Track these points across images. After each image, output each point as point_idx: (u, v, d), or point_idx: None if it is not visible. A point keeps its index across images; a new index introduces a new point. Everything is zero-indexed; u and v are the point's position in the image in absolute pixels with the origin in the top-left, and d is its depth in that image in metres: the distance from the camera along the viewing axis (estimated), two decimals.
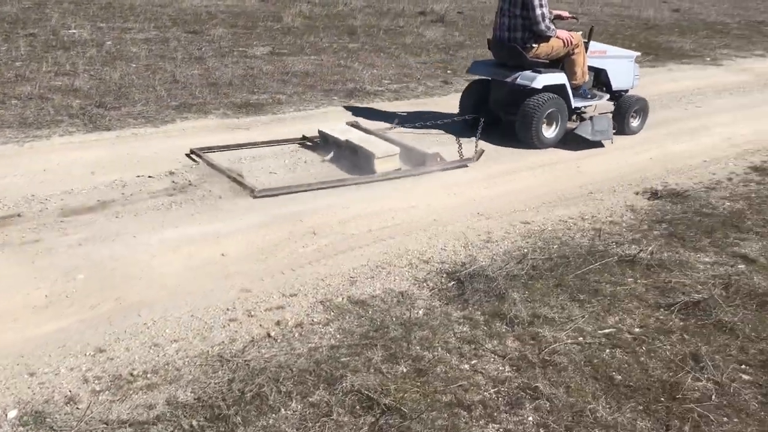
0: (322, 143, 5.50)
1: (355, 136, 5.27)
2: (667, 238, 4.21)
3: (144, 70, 7.55)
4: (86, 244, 3.69)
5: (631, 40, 13.07)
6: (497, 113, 6.08)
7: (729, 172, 5.68)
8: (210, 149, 5.21)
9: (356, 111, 6.77)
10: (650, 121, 6.73)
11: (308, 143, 5.61)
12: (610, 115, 6.32)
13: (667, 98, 8.39)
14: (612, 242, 4.12)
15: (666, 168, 5.70)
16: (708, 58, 11.76)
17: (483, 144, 5.67)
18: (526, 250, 3.95)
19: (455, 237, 4.10)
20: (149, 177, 4.68)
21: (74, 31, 9.35)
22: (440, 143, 5.80)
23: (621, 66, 6.49)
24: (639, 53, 6.99)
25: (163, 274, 3.42)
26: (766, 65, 11.41)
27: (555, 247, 4.03)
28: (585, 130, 5.95)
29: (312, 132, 5.70)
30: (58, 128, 5.52)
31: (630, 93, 6.64)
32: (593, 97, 6.33)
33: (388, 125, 6.17)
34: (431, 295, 3.38)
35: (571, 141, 6.05)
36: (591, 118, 6.05)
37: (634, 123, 6.56)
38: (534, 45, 5.67)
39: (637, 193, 5.06)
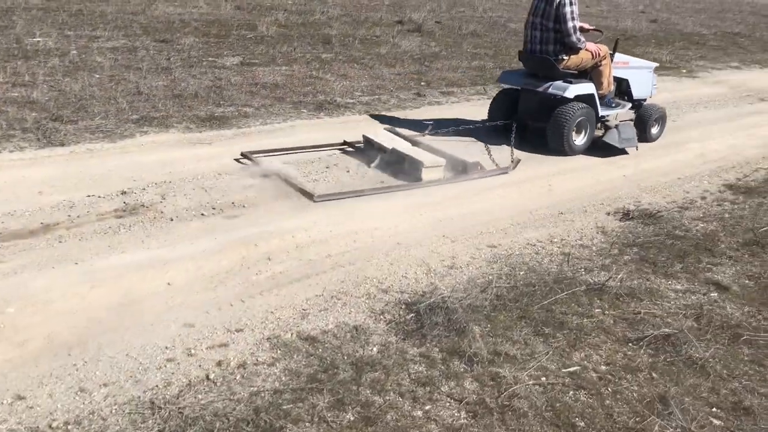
0: (366, 148, 5.68)
1: (402, 145, 5.52)
2: (638, 264, 4.03)
3: (107, 81, 7.28)
4: (22, 272, 3.44)
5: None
6: (526, 121, 6.23)
7: (703, 191, 5.53)
8: (260, 152, 5.34)
9: (330, 126, 6.56)
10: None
11: (348, 148, 5.81)
12: (632, 123, 6.59)
13: None
14: (581, 268, 3.94)
15: (639, 186, 5.54)
16: (684, 70, 11.69)
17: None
18: (491, 277, 3.75)
19: (418, 263, 3.89)
20: (99, 197, 4.43)
21: (39, 39, 9.05)
22: (467, 150, 5.87)
23: (642, 76, 6.72)
24: (657, 64, 7.25)
25: (102, 307, 3.18)
26: (741, 77, 11.35)
27: (522, 273, 3.83)
28: (613, 138, 6.18)
29: (268, 146, 5.49)
30: (9, 143, 5.25)
31: (648, 102, 6.87)
32: (617, 105, 6.53)
33: (415, 132, 6.21)
34: (388, 330, 3.16)
35: (600, 148, 6.22)
36: (617, 126, 6.29)
37: (654, 130, 6.78)
38: (565, 57, 5.91)
39: (608, 214, 4.88)
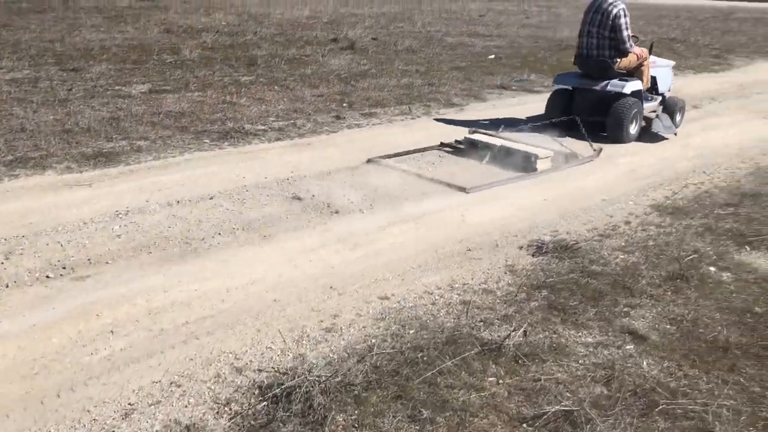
0: (467, 148, 6.29)
1: (507, 142, 6.15)
2: (545, 311, 3.47)
3: None
4: None
5: (542, 63, 12.60)
6: (581, 117, 6.70)
7: (628, 213, 5.02)
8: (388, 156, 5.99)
9: (232, 158, 5.92)
10: None
11: (446, 149, 6.41)
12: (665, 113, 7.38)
13: None
14: (480, 321, 3.36)
15: (560, 211, 5.01)
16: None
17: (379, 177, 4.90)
18: (374, 341, 3.15)
19: (291, 326, 3.27)
20: None
21: None
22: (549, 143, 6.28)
23: (665, 73, 7.57)
24: (674, 62, 8.35)
25: None
26: (676, 84, 10.99)
27: (411, 333, 3.24)
28: (658, 127, 7.08)
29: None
30: None
31: (669, 95, 7.66)
32: (652, 99, 7.32)
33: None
34: (229, 428, 2.53)
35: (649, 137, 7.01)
36: (657, 116, 7.18)
37: (678, 118, 7.54)
38: (618, 59, 6.74)
39: (521, 248, 4.33)
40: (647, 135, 7.09)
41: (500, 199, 5.24)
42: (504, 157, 5.96)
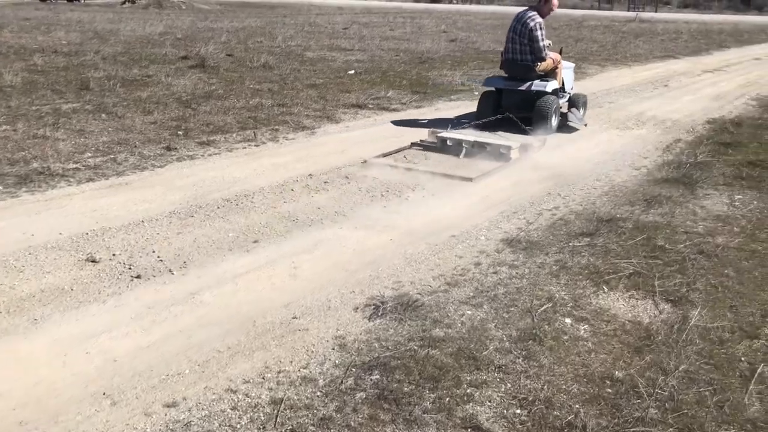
0: (440, 145, 6.87)
1: (480, 138, 6.82)
2: (372, 406, 2.77)
3: None
4: None
5: (402, 78, 12.12)
6: (510, 113, 7.43)
7: (478, 252, 4.45)
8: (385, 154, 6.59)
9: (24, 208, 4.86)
10: None
11: (416, 147, 7.03)
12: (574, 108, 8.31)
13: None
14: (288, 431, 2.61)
15: (406, 254, 4.37)
16: (477, 93, 10.98)
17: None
18: None
19: None
20: None
21: None
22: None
23: (570, 74, 8.50)
24: (574, 64, 9.43)
25: None
26: None
27: None
28: (574, 120, 8.07)
29: None
30: None
31: (573, 91, 8.59)
32: (563, 96, 8.23)
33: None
34: None
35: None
36: (570, 111, 8.17)
37: (582, 112, 8.35)
38: (537, 64, 7.56)
39: (357, 309, 3.63)
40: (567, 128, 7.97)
41: (337, 241, 4.54)
42: (478, 151, 6.64)
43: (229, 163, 6.38)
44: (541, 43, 7.45)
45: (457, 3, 55.12)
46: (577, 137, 7.91)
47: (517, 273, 4.11)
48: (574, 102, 8.32)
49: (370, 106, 9.51)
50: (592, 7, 50.73)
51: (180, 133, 7.34)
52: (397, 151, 6.81)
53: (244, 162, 6.45)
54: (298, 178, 5.93)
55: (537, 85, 7.58)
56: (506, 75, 7.90)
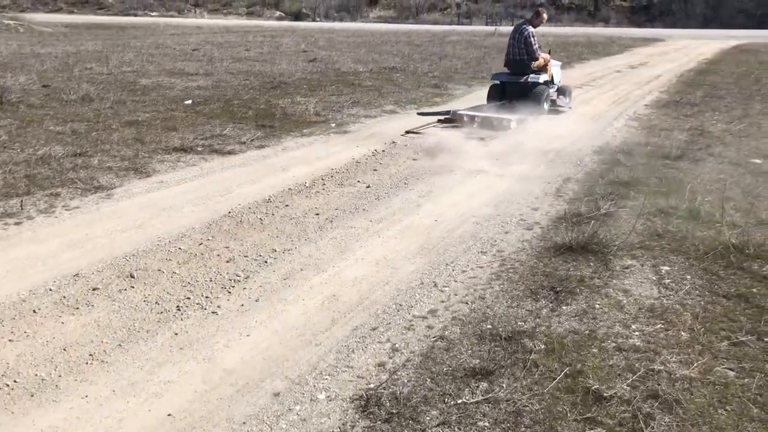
0: (458, 120, 8.97)
1: (485, 113, 9.05)
2: None
3: None
4: None
5: (247, 107, 10.12)
6: (512, 99, 9.64)
7: (300, 421, 2.59)
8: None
9: None
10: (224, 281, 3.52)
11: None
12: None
13: (262, 208, 5.36)
14: None
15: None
16: (333, 124, 9.22)
17: None
18: None
19: None
20: None
21: None
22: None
23: (557, 70, 10.36)
24: (561, 62, 11.08)
25: None
26: (395, 125, 9.16)
27: None
28: (563, 104, 10.32)
29: None
30: None
31: (560, 83, 10.43)
32: (553, 86, 10.07)
33: None
34: None
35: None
36: (559, 98, 10.27)
37: (568, 99, 10.37)
38: (532, 62, 9.57)
39: None
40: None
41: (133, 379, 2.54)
42: (486, 124, 8.65)
43: None
44: (534, 47, 9.45)
45: (320, 20, 53.59)
46: (452, 183, 6.29)
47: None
48: (563, 91, 10.40)
49: (199, 148, 7.47)
50: (452, 23, 50.84)
51: None
52: (424, 126, 8.85)
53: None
54: (53, 287, 3.85)
55: (532, 77, 9.62)
56: (508, 71, 9.87)
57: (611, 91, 12.96)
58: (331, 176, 6.42)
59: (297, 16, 55.48)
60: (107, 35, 29.65)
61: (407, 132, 8.49)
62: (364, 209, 5.45)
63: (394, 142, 7.97)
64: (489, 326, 3.42)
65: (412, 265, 4.28)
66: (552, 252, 4.46)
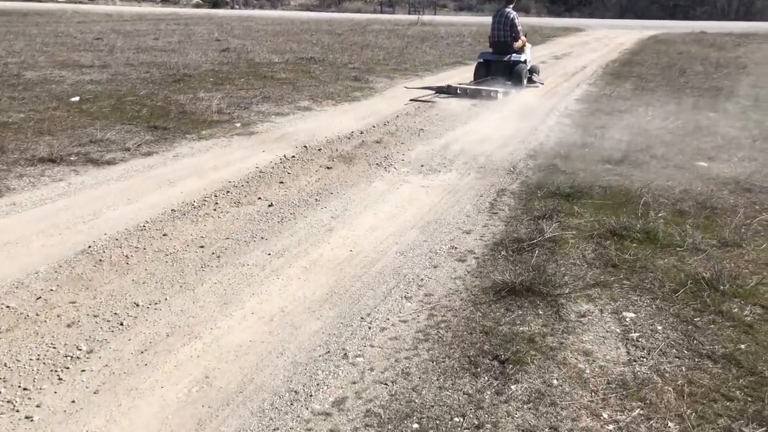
0: (451, 91, 10.41)
1: (475, 86, 10.50)
2: None
3: None
4: None
5: (142, 104, 8.82)
6: (496, 75, 10.83)
7: None
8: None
9: None
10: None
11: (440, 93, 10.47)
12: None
13: (133, 239, 4.22)
14: None
15: None
16: (238, 124, 8.06)
17: None
18: None
19: None
20: None
21: None
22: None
23: (529, 50, 11.34)
24: (531, 45, 12.17)
25: None
26: (309, 125, 8.10)
27: None
28: (536, 80, 11.45)
29: None
30: None
31: (531, 64, 11.57)
32: (526, 64, 11.07)
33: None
34: None
35: None
36: (532, 75, 11.36)
37: (538, 76, 11.70)
38: (514, 43, 10.75)
39: None
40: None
41: None
42: (475, 93, 10.21)
43: None
44: (519, 29, 10.61)
45: (240, 8, 51.48)
46: (371, 198, 5.33)
47: None
48: (534, 69, 11.51)
49: (72, 158, 6.21)
50: (375, 11, 49.81)
51: None
52: (428, 96, 10.21)
53: None
54: None
55: (514, 57, 10.80)
56: (492, 51, 11.00)
57: None
58: (227, 192, 5.33)
59: (215, 4, 53.17)
60: (6, 21, 27.11)
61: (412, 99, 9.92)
62: (262, 237, 4.40)
63: (306, 146, 6.92)
64: (416, 426, 2.45)
65: (317, 322, 3.27)
66: (491, 295, 3.55)
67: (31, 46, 16.24)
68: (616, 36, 27.34)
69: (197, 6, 52.58)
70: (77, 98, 9.42)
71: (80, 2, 52.90)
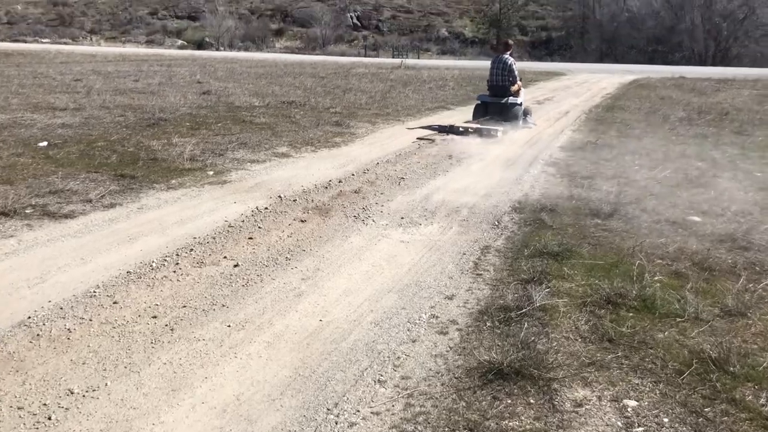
0: (454, 131, 10.89)
1: (477, 125, 11.03)
2: None
3: None
4: None
5: (112, 150, 8.40)
6: (493, 116, 11.40)
7: None
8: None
9: None
10: None
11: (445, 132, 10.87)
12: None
13: (80, 309, 3.77)
14: None
15: None
16: (211, 172, 7.68)
17: None
18: None
19: None
20: None
21: None
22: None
23: (523, 93, 11.97)
24: (526, 88, 13.52)
25: None
26: (288, 173, 7.74)
27: None
28: (529, 122, 11.91)
29: None
30: None
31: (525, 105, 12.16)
32: (521, 106, 11.73)
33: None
34: None
35: None
36: (525, 118, 11.86)
37: (531, 117, 12.18)
38: (511, 87, 11.31)
39: None
40: None
41: None
42: (477, 132, 10.66)
43: None
44: (516, 74, 11.19)
45: (224, 50, 51.63)
46: (346, 255, 4.93)
47: None
48: (527, 111, 11.98)
49: (27, 210, 5.77)
50: (359, 54, 50.17)
51: None
52: (432, 135, 10.63)
53: None
54: None
55: (511, 100, 11.37)
56: (490, 93, 11.56)
57: (521, 130, 12.04)
58: (190, 250, 4.91)
59: (200, 45, 53.30)
60: None
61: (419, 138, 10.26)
62: (223, 305, 3.97)
63: (280, 197, 6.53)
64: None
65: (276, 414, 2.84)
66: (476, 378, 3.14)
67: (7, 87, 15.87)
68: (597, 80, 27.50)
69: (182, 47, 52.68)
70: (45, 143, 9.01)
71: (64, 43, 52.80)
